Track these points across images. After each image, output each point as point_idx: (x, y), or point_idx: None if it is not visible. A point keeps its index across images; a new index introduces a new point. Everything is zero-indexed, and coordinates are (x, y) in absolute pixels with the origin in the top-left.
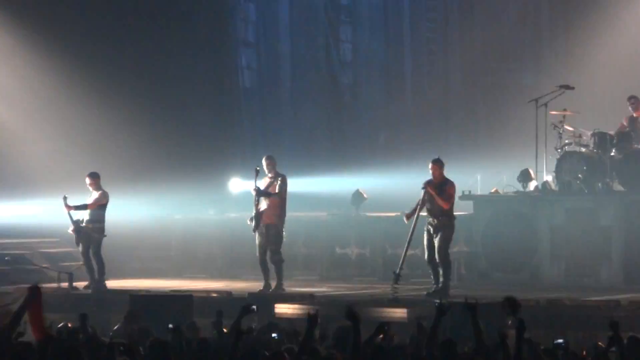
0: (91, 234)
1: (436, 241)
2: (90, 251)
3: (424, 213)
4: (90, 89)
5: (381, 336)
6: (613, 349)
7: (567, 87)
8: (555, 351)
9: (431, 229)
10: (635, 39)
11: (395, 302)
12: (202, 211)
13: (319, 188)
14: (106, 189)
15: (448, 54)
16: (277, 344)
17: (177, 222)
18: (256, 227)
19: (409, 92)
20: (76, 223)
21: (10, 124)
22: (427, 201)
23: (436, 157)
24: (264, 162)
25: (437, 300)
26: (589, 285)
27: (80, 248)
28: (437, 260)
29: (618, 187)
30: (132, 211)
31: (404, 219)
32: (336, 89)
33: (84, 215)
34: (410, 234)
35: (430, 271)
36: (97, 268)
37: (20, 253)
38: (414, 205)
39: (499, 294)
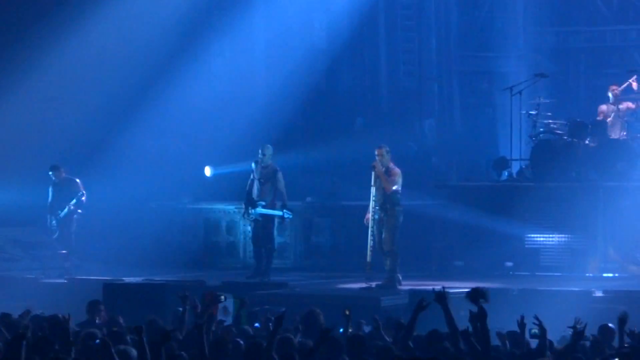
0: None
1: (383, 230)
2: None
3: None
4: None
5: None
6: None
7: (542, 75)
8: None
9: (377, 218)
10: None
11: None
12: (176, 199)
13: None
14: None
15: (423, 40)
16: (257, 333)
17: (151, 210)
18: (253, 218)
19: (384, 78)
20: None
21: None
22: (374, 187)
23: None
24: (268, 151)
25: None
26: (564, 273)
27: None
28: (385, 251)
29: (592, 175)
30: (106, 198)
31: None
32: (311, 76)
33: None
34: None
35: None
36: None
37: None
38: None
39: (474, 284)
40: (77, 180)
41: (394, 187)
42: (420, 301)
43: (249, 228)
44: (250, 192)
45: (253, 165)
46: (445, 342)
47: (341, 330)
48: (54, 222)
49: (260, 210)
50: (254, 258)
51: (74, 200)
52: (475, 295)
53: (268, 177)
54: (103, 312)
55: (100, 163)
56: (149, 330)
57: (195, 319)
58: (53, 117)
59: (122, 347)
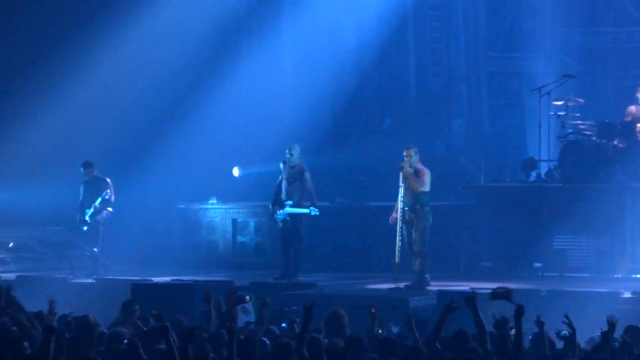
0: (98, 216)
1: (413, 232)
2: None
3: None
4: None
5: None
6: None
7: (570, 77)
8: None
9: (406, 218)
10: None
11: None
12: (204, 199)
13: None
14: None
15: (451, 41)
16: (284, 333)
17: (179, 210)
18: (282, 218)
19: (413, 79)
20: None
21: None
22: (402, 187)
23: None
24: (295, 151)
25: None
26: (593, 275)
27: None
28: (415, 251)
29: (621, 176)
30: (135, 198)
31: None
32: (339, 77)
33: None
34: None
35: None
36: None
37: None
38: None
39: (502, 285)
40: (108, 179)
41: (423, 188)
42: (449, 303)
43: (278, 228)
44: (278, 193)
45: (281, 165)
46: (472, 342)
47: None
48: (85, 219)
49: (288, 210)
50: (283, 259)
51: (99, 200)
52: (498, 296)
53: (296, 176)
54: (138, 312)
55: (130, 164)
56: (173, 329)
57: (220, 319)
58: (86, 120)
59: (159, 346)
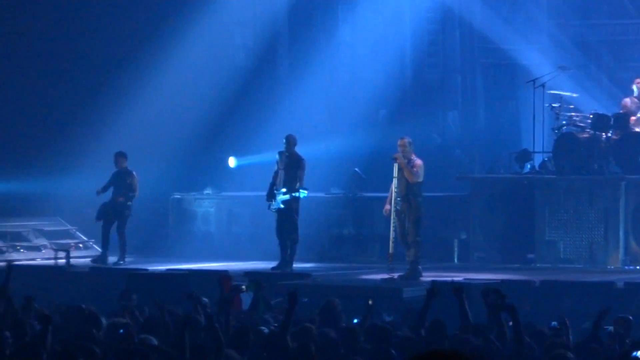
0: (123, 211)
1: (406, 222)
2: (116, 228)
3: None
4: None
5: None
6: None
7: (565, 68)
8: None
9: (399, 209)
10: None
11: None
12: (200, 189)
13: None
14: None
15: (447, 33)
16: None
17: (174, 201)
18: (276, 209)
19: (409, 71)
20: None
21: None
22: (396, 178)
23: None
24: (292, 140)
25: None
26: (585, 266)
27: (102, 223)
28: (408, 242)
29: (614, 168)
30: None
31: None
32: (335, 68)
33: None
34: (393, 213)
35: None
36: (121, 245)
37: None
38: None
39: (496, 276)
40: (134, 173)
41: (417, 179)
42: (430, 289)
43: (274, 219)
44: (273, 184)
45: (277, 156)
46: (469, 335)
47: (355, 320)
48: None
49: (280, 198)
50: (280, 249)
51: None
52: (488, 293)
53: (292, 165)
54: (135, 301)
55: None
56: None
57: (219, 306)
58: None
59: (143, 336)
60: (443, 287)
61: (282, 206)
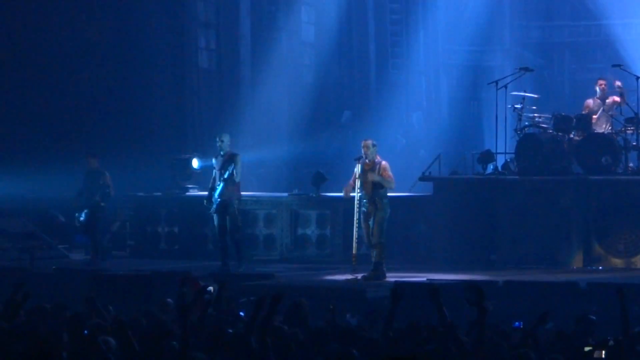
0: (95, 212)
1: (370, 223)
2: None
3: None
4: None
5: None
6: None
7: (527, 70)
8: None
9: (364, 210)
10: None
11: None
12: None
13: (279, 167)
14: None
15: (411, 34)
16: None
17: (135, 200)
18: (215, 209)
19: (373, 72)
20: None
21: None
22: (359, 180)
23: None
24: (226, 139)
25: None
26: (548, 266)
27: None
28: (373, 243)
29: (577, 168)
30: None
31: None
32: (299, 69)
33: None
34: (357, 214)
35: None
36: (93, 245)
37: None
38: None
39: (459, 276)
40: (107, 173)
41: (393, 184)
42: (394, 291)
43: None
44: (212, 189)
45: (213, 160)
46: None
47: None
48: (79, 217)
49: (215, 199)
50: (220, 252)
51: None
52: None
53: (228, 163)
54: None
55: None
56: (147, 321)
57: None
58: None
59: (102, 337)
60: (406, 288)
61: (220, 206)
